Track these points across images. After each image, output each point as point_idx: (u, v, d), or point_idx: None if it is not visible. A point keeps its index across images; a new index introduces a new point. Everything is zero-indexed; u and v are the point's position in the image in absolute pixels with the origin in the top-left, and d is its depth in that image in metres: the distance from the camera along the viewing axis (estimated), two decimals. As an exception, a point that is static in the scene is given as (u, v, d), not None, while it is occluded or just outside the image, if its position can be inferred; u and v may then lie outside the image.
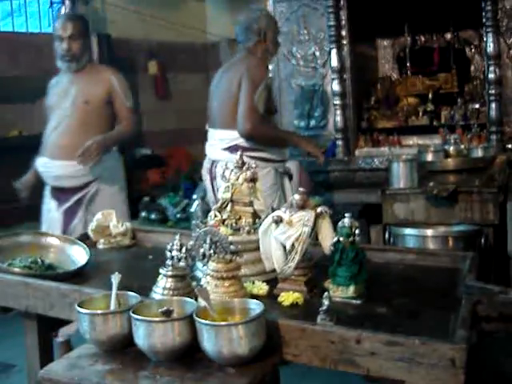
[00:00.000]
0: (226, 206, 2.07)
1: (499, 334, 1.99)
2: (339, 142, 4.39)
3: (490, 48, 4.00)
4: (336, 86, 4.37)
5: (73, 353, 1.65)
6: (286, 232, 1.85)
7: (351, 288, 1.80)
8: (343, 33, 4.33)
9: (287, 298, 1.79)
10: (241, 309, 1.54)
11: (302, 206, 1.88)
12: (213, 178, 3.40)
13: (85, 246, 2.35)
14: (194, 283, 1.87)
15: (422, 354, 1.41)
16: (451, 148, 3.81)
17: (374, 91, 5.07)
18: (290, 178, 3.47)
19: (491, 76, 4.02)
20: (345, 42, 4.35)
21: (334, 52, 4.30)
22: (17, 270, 2.10)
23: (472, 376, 1.74)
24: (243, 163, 2.10)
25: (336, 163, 4.36)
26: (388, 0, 4.51)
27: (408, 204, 3.15)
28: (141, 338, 1.50)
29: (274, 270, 1.91)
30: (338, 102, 4.39)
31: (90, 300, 1.70)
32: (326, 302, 1.61)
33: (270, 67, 3.90)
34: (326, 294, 1.64)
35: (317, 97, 4.45)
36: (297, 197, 1.88)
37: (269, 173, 3.29)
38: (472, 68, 5.00)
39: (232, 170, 2.09)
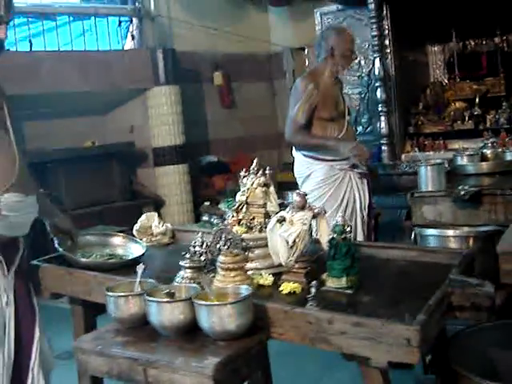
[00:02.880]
0: (242, 207, 2.35)
1: (487, 322, 2.18)
2: (385, 148, 4.56)
3: (530, 52, 4.08)
4: (380, 94, 4.55)
5: (102, 328, 1.99)
6: (288, 230, 2.11)
7: (343, 279, 2.04)
8: (386, 42, 4.52)
9: (286, 287, 2.05)
10: (234, 293, 1.82)
11: (302, 207, 2.13)
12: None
13: (142, 242, 2.73)
14: (213, 275, 2.16)
15: (382, 334, 1.64)
16: (488, 151, 3.93)
17: (424, 96, 5.20)
18: (365, 176, 3.77)
19: (531, 80, 4.11)
20: (388, 51, 4.53)
21: (377, 61, 4.50)
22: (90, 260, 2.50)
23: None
24: (258, 169, 2.38)
25: (381, 168, 4.54)
26: (434, 7, 4.64)
27: (435, 206, 3.32)
28: (152, 315, 1.82)
29: (281, 264, 2.18)
30: (383, 108, 4.57)
31: (118, 285, 2.03)
32: (313, 290, 1.88)
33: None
34: (314, 282, 1.90)
35: (363, 104, 4.65)
36: (297, 199, 2.14)
37: (321, 169, 3.70)
38: (521, 71, 5.05)
39: (247, 176, 2.37)
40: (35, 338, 2.13)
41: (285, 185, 7.50)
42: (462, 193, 3.20)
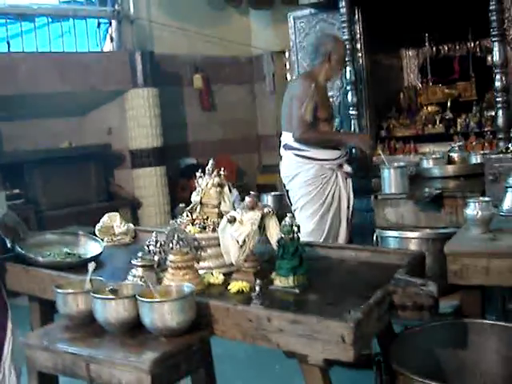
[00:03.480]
0: (196, 207, 2.39)
1: (433, 322, 2.21)
2: (355, 151, 4.60)
3: (497, 56, 4.12)
4: (351, 97, 4.60)
5: (51, 324, 2.02)
6: (238, 230, 2.15)
7: (291, 278, 2.07)
8: (358, 46, 4.56)
9: (234, 286, 2.08)
10: (177, 291, 1.85)
11: (252, 207, 2.17)
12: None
13: (100, 240, 2.76)
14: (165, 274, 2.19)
15: (318, 331, 1.68)
16: (455, 155, 3.99)
17: (397, 100, 5.25)
18: (350, 176, 3.94)
19: (498, 84, 4.15)
20: (360, 55, 4.57)
21: (348, 65, 4.54)
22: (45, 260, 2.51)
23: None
24: (213, 170, 2.42)
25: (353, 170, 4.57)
26: (407, 12, 4.69)
27: (398, 209, 3.36)
28: (97, 312, 1.85)
29: (232, 264, 2.21)
30: (353, 112, 4.61)
31: (69, 283, 2.07)
32: (257, 289, 1.91)
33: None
34: (257, 281, 1.93)
35: (334, 107, 4.69)
36: (247, 199, 2.18)
37: (311, 168, 3.81)
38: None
39: (201, 177, 2.41)
40: (7, 333, 2.16)
41: (264, 187, 7.57)
42: (424, 195, 3.25)
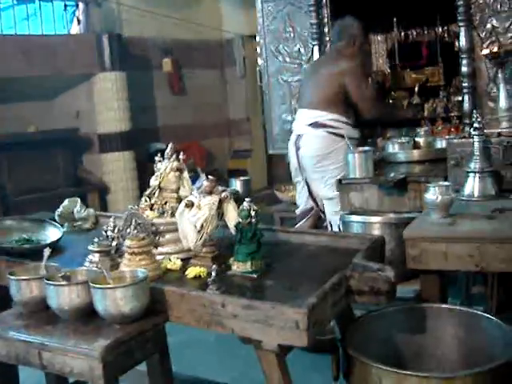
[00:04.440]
0: (155, 192, 2.35)
1: (392, 306, 2.22)
2: (323, 135, 4.59)
3: (463, 41, 4.13)
4: (319, 82, 4.57)
5: (4, 312, 1.98)
6: (196, 214, 2.13)
7: (248, 263, 2.06)
8: (325, 29, 4.54)
9: (192, 271, 2.06)
10: (131, 277, 1.83)
11: (210, 192, 2.15)
12: (297, 149, 4.09)
13: (60, 226, 2.71)
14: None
15: (273, 317, 1.67)
16: (420, 139, 4.00)
17: (365, 85, 5.25)
18: None
19: (464, 69, 4.15)
20: (327, 39, 4.55)
21: (316, 49, 4.52)
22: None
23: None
24: (172, 154, 2.38)
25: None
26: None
27: (362, 193, 3.36)
28: (50, 299, 1.82)
29: (190, 249, 2.18)
30: (321, 96, 4.59)
31: (23, 270, 2.02)
32: (213, 274, 1.89)
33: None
34: (213, 267, 1.91)
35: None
36: (205, 183, 2.15)
37: (343, 146, 3.84)
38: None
39: (160, 161, 2.38)
40: None
41: (235, 172, 7.55)
42: (388, 180, 3.25)
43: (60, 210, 2.88)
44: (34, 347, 1.74)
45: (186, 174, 2.38)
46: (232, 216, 2.14)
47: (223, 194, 2.14)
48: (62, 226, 2.83)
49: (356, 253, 2.15)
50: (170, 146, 2.41)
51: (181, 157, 2.39)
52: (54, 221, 2.86)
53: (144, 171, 6.82)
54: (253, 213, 2.08)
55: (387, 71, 5.47)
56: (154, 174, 2.43)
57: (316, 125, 3.98)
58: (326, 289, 1.79)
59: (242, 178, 4.72)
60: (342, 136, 3.89)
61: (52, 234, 2.69)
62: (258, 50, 8.08)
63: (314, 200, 4.15)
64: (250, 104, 8.09)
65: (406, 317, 2.20)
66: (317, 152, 3.96)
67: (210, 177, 2.17)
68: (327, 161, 3.92)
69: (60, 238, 2.58)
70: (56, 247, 2.55)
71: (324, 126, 3.96)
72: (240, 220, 2.08)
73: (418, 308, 2.20)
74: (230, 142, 8.22)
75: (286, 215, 5.00)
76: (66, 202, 2.92)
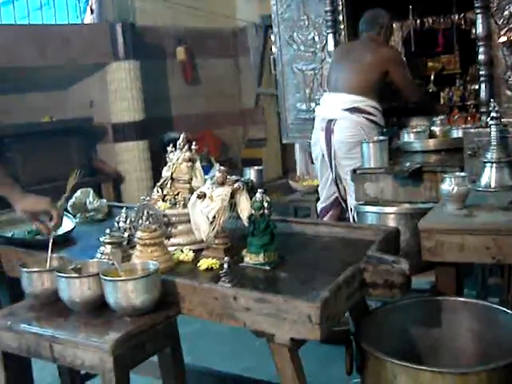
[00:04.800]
0: (167, 183, 2.33)
1: (406, 299, 2.19)
2: (338, 124, 4.54)
3: (480, 29, 4.04)
4: (333, 70, 4.52)
5: (17, 304, 1.98)
6: (208, 205, 2.10)
7: (261, 255, 2.03)
8: (340, 17, 4.48)
9: (204, 263, 2.04)
10: (143, 269, 1.81)
11: (222, 183, 2.12)
12: (330, 133, 4.05)
13: (72, 217, 2.70)
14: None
15: (285, 311, 1.64)
16: (436, 128, 3.95)
17: (381, 74, 5.18)
18: None
19: (481, 57, 4.06)
20: (342, 27, 4.49)
21: (330, 37, 4.47)
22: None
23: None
24: (184, 144, 2.36)
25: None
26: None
27: (377, 183, 3.32)
28: (62, 291, 1.81)
29: (203, 240, 2.16)
30: (335, 84, 4.54)
31: (36, 262, 2.02)
32: (225, 266, 1.86)
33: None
34: (226, 259, 1.89)
35: (316, 80, 4.63)
36: (217, 174, 2.12)
37: (375, 134, 3.87)
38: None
39: (172, 151, 2.35)
40: None
41: (249, 161, 7.52)
42: (403, 169, 3.21)
43: (73, 200, 2.87)
44: (45, 340, 1.73)
45: (198, 165, 2.36)
46: (245, 207, 2.12)
47: (236, 185, 2.11)
48: (74, 216, 2.83)
49: (370, 244, 2.11)
50: (182, 136, 2.39)
51: (193, 147, 2.36)
52: (67, 211, 2.85)
53: (158, 161, 6.80)
54: (266, 204, 2.05)
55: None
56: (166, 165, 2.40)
57: (354, 110, 3.98)
58: (340, 282, 1.76)
59: (255, 168, 4.71)
60: (375, 123, 3.96)
61: (65, 224, 2.68)
62: (273, 38, 8.05)
63: (338, 188, 4.12)
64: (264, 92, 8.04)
65: (421, 310, 2.17)
66: (353, 138, 3.93)
67: (221, 167, 2.15)
68: (359, 148, 3.86)
69: (72, 229, 2.58)
70: (68, 238, 2.55)
71: (362, 111, 3.97)
72: (253, 211, 2.06)
73: (433, 301, 2.17)
74: (243, 131, 8.18)
75: (301, 205, 4.97)
76: (78, 192, 2.91)
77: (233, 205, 2.14)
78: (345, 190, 4.05)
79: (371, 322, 2.07)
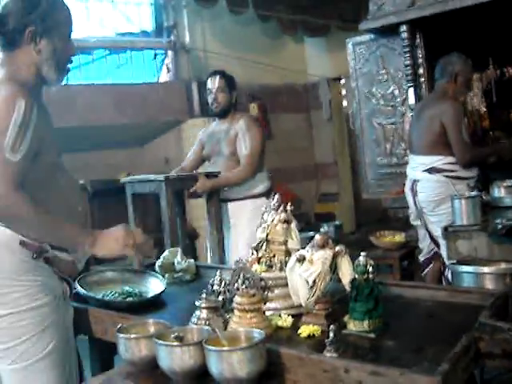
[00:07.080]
0: (262, 245, 2.27)
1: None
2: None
3: None
4: (415, 123, 4.43)
5: (113, 370, 1.93)
6: (308, 269, 2.02)
7: (365, 322, 1.93)
8: (420, 71, 4.42)
9: (305, 330, 1.95)
10: (247, 337, 1.73)
11: (323, 246, 2.04)
12: (414, 195, 4.06)
13: (161, 277, 2.67)
14: (230, 315, 2.08)
15: (401, 384, 1.53)
16: (529, 183, 3.77)
17: (461, 126, 5.06)
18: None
19: None
20: (422, 80, 4.43)
21: (411, 90, 4.40)
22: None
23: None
24: (279, 206, 2.30)
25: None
26: (469, 35, 4.53)
27: (471, 241, 3.17)
28: (161, 359, 1.74)
29: (301, 305, 2.08)
30: (417, 138, 4.44)
31: (131, 326, 1.97)
32: (331, 335, 1.77)
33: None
34: (331, 327, 1.79)
35: (397, 134, 4.55)
36: (317, 237, 2.05)
37: (462, 188, 3.84)
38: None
39: (268, 212, 2.30)
40: None
41: (322, 216, 7.44)
42: (499, 227, 3.06)
43: (161, 260, 2.85)
44: (146, 411, 1.67)
45: (293, 226, 2.29)
46: (347, 271, 2.03)
47: (337, 249, 2.03)
48: (163, 276, 2.80)
49: (478, 309, 1.98)
50: (276, 197, 2.34)
51: (288, 208, 2.31)
52: (155, 271, 2.83)
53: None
54: (370, 268, 1.96)
55: (483, 110, 5.26)
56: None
57: (432, 170, 3.94)
58: (458, 352, 1.63)
59: (334, 223, 4.64)
60: (459, 178, 3.86)
61: (154, 285, 2.65)
62: (344, 92, 8.05)
63: (436, 243, 3.99)
64: (337, 147, 8.00)
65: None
66: (435, 197, 3.88)
67: (322, 230, 2.07)
68: (445, 204, 3.75)
69: (163, 291, 2.54)
70: (158, 300, 2.51)
71: (441, 170, 3.92)
72: (356, 276, 1.97)
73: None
74: (316, 186, 8.12)
75: (382, 262, 4.82)
76: (166, 252, 2.89)
77: (332, 268, 2.06)
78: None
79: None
